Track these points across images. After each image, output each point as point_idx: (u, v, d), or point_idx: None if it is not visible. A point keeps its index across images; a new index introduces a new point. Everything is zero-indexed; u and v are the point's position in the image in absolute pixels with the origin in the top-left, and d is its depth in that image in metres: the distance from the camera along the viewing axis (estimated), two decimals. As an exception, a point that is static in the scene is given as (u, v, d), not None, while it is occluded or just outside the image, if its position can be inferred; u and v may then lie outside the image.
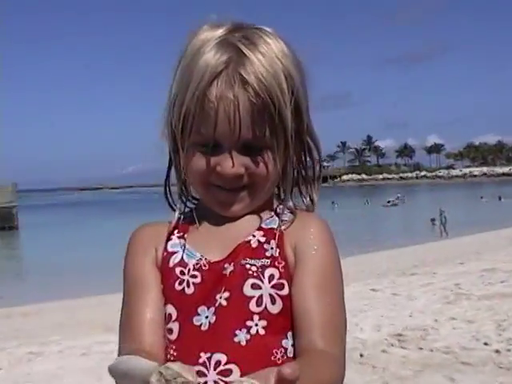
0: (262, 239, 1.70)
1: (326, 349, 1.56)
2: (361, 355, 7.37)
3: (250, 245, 1.69)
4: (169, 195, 1.84)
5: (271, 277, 1.64)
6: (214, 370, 1.58)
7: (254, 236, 1.71)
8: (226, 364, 1.58)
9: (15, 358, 8.98)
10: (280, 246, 1.68)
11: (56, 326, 11.01)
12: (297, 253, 1.68)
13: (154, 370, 1.21)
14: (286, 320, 1.63)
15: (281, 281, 1.64)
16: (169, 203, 1.84)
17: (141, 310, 1.67)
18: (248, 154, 1.66)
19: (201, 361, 1.59)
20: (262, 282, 1.63)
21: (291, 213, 1.77)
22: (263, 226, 1.74)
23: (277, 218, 1.75)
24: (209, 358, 1.59)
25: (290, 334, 1.64)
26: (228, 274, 1.65)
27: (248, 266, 1.65)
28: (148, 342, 1.62)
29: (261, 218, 1.75)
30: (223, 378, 1.56)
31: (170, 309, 1.67)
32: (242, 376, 1.51)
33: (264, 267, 1.65)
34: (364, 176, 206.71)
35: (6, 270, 29.58)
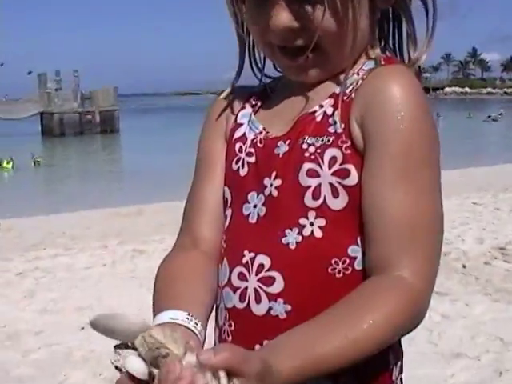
0: (330, 110, 1.33)
1: (404, 269, 1.21)
2: (463, 266, 7.27)
3: (314, 118, 1.34)
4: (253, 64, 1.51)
5: (332, 160, 1.28)
6: (256, 274, 1.35)
7: (321, 106, 1.35)
8: (268, 270, 1.33)
9: (119, 256, 9.22)
10: (345, 118, 1.29)
11: (158, 225, 11.24)
12: (365, 127, 1.27)
13: (139, 331, 1.04)
14: (355, 219, 1.28)
15: (345, 166, 1.27)
16: (252, 70, 1.52)
17: (202, 196, 1.49)
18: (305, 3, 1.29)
19: (244, 260, 1.37)
20: (321, 167, 1.29)
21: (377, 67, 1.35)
22: (336, 91, 1.35)
23: (356, 76, 1.35)
24: (252, 259, 1.35)
25: (361, 238, 1.29)
26: (281, 154, 1.35)
27: (305, 146, 1.31)
28: (203, 238, 1.46)
29: (339, 81, 1.36)
30: (264, 288, 1.33)
31: (227, 192, 1.46)
32: (285, 289, 1.31)
33: (324, 148, 1.29)
34: (467, 89, 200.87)
35: (107, 172, 30.31)
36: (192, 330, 1.21)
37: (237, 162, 1.43)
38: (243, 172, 1.42)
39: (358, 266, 1.29)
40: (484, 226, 9.93)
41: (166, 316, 1.22)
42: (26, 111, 64.66)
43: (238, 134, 1.46)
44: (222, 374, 0.99)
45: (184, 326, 1.20)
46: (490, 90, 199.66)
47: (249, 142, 1.43)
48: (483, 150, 29.15)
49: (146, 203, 15.29)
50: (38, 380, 5.01)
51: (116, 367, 1.09)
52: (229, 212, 1.45)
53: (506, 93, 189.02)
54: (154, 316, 1.26)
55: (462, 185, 15.00)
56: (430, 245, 1.25)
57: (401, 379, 1.42)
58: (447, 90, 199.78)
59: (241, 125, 1.47)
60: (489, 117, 61.47)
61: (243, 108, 1.50)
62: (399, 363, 1.42)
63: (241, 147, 1.44)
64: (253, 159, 1.41)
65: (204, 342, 1.24)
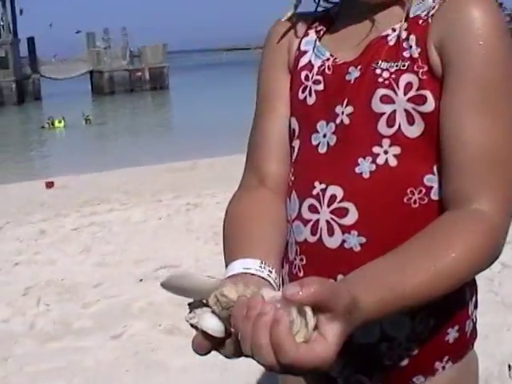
0: (404, 34, 1.25)
1: (482, 204, 1.16)
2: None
3: (387, 41, 1.27)
4: None
5: (408, 86, 1.22)
6: (328, 206, 1.29)
7: (393, 30, 1.27)
8: (341, 201, 1.27)
9: (173, 209, 9.26)
10: (422, 42, 1.22)
11: (211, 180, 11.27)
12: (445, 53, 1.20)
13: (212, 289, 1.02)
14: (431, 147, 1.23)
15: (421, 92, 1.21)
16: None
17: (266, 131, 1.42)
18: None
19: (314, 192, 1.31)
20: (396, 93, 1.23)
21: None
22: (410, 15, 1.27)
23: (430, 1, 1.26)
24: (323, 190, 1.30)
25: (438, 167, 1.24)
26: (353, 80, 1.28)
27: (378, 72, 1.25)
28: (269, 174, 1.40)
29: (407, 5, 1.28)
30: (337, 219, 1.28)
31: (294, 123, 1.39)
32: (358, 220, 1.26)
33: (399, 73, 1.23)
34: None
35: (158, 128, 30.47)
36: (266, 279, 1.16)
37: (303, 91, 1.37)
38: (311, 101, 1.35)
39: (434, 196, 1.24)
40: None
41: (239, 266, 1.18)
42: (76, 70, 65.34)
43: (303, 61, 1.39)
44: (309, 311, 0.93)
45: (258, 275, 1.16)
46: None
47: (316, 69, 1.35)
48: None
49: (198, 158, 15.33)
50: (98, 332, 5.04)
51: (191, 325, 1.06)
52: (296, 143, 1.39)
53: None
54: (227, 263, 1.22)
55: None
56: (509, 178, 1.20)
57: (475, 315, 1.40)
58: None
59: (305, 52, 1.39)
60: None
61: (307, 34, 1.42)
62: (474, 298, 1.40)
63: (307, 75, 1.37)
64: (321, 87, 1.34)
65: (279, 288, 1.19)
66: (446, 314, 1.32)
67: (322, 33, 1.40)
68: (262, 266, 1.17)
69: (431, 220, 1.20)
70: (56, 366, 4.49)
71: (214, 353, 1.08)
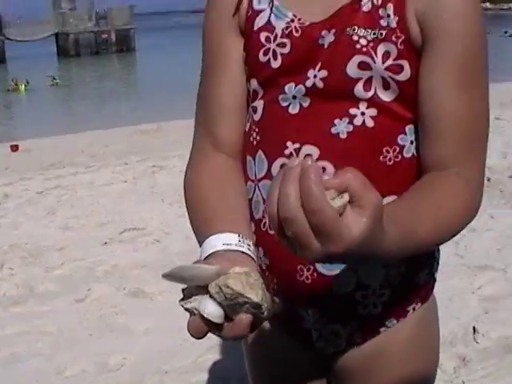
0: (378, 0, 1.25)
1: (461, 169, 1.25)
2: (488, 179, 7.19)
3: (361, 7, 1.25)
4: None
5: (386, 55, 1.24)
6: None
7: None
8: (317, 160, 1.27)
9: (139, 172, 9.20)
10: (400, 11, 1.23)
11: (176, 142, 11.14)
12: (426, 25, 1.23)
13: (213, 277, 1.05)
14: (405, 110, 1.28)
15: (398, 62, 1.24)
16: None
17: (217, 93, 1.40)
18: None
19: (287, 152, 1.32)
20: (374, 61, 1.24)
21: None
22: None
23: None
24: (297, 150, 1.30)
25: (409, 127, 1.30)
26: (326, 45, 1.27)
27: (355, 38, 1.24)
28: (223, 137, 1.40)
29: None
30: None
31: (254, 84, 1.37)
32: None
33: (377, 41, 1.24)
34: (488, 4, 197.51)
35: (124, 90, 30.24)
36: (247, 253, 1.17)
37: (265, 54, 1.33)
38: (276, 64, 1.32)
39: (406, 153, 1.31)
40: (507, 140, 9.79)
41: (218, 242, 1.17)
42: (41, 33, 64.45)
43: (260, 22, 1.34)
44: (345, 194, 0.93)
45: (240, 251, 1.17)
46: (511, 5, 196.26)
47: (279, 31, 1.31)
48: (504, 66, 28.72)
49: (164, 121, 15.21)
50: (62, 295, 5.02)
51: (186, 309, 1.09)
52: (259, 104, 1.37)
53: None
54: (200, 238, 1.23)
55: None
56: (484, 148, 1.31)
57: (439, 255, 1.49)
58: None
59: (260, 11, 1.34)
60: (505, 32, 60.54)
61: None
62: (439, 255, 1.49)
63: (268, 37, 1.33)
64: (287, 49, 1.30)
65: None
66: (417, 258, 1.36)
67: None
68: (241, 240, 1.18)
69: (404, 175, 1.31)
70: (19, 331, 4.47)
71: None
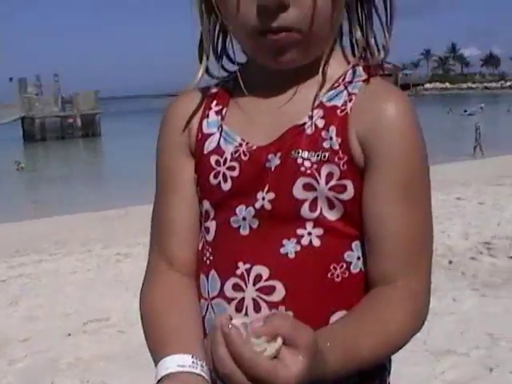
0: (321, 123, 1.29)
1: (407, 282, 1.28)
2: (450, 262, 7.29)
3: (304, 130, 1.30)
4: (205, 53, 1.40)
5: (329, 176, 1.27)
6: (254, 285, 1.32)
7: (310, 117, 1.30)
8: (268, 279, 1.31)
9: (103, 260, 9.19)
10: (342, 133, 1.28)
11: (141, 228, 11.13)
12: (368, 146, 1.27)
13: None
14: (350, 227, 1.31)
15: (342, 182, 1.27)
16: (201, 60, 1.41)
17: (170, 214, 1.44)
18: None
19: (238, 272, 1.33)
20: (318, 182, 1.28)
21: (364, 80, 1.33)
22: (324, 101, 1.31)
23: (344, 90, 1.32)
24: (248, 270, 1.33)
25: (356, 244, 1.32)
26: (273, 168, 1.30)
27: (300, 161, 1.29)
28: (177, 257, 1.42)
29: (323, 85, 1.32)
30: (264, 297, 1.31)
31: (206, 205, 1.40)
32: (286, 296, 1.31)
33: (321, 163, 1.28)
34: (447, 85, 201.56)
35: (89, 176, 30.24)
36: (200, 375, 1.19)
37: (215, 177, 1.37)
38: (226, 186, 1.36)
39: (353, 269, 1.32)
40: (469, 220, 9.95)
41: (172, 364, 1.20)
42: (7, 116, 64.47)
43: (210, 146, 1.39)
44: (279, 339, 1.00)
45: (192, 372, 1.19)
46: (470, 84, 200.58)
47: (228, 155, 1.36)
48: (464, 145, 29.29)
49: (129, 206, 15.22)
50: (25, 389, 4.95)
51: None
52: (212, 224, 1.40)
53: (486, 87, 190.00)
54: (156, 359, 1.25)
55: (444, 180, 15.05)
56: (429, 256, 1.33)
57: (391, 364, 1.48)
58: (428, 85, 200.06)
59: (209, 135, 1.40)
60: (465, 111, 61.84)
61: (207, 115, 1.42)
62: (391, 366, 1.47)
63: (218, 160, 1.37)
64: (236, 173, 1.35)
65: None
66: (367, 371, 1.35)
67: (223, 112, 1.41)
68: (195, 361, 1.20)
69: (353, 290, 1.32)
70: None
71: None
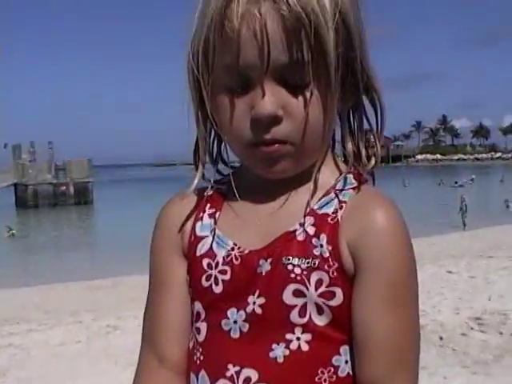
0: (311, 230, 1.32)
1: None
2: (440, 338, 7.25)
3: (295, 237, 1.33)
4: (201, 162, 1.44)
5: (319, 283, 1.30)
6: None
7: (301, 224, 1.33)
8: (256, 383, 1.32)
9: (93, 332, 9.12)
10: (333, 241, 1.31)
11: (132, 300, 11.10)
12: (357, 256, 1.30)
13: None
14: (338, 332, 1.32)
15: (331, 289, 1.30)
16: (197, 167, 1.45)
17: (161, 313, 1.46)
18: (287, 89, 1.27)
19: (228, 374, 1.35)
20: (308, 288, 1.30)
21: (354, 188, 1.37)
22: (315, 208, 1.35)
23: (335, 198, 1.35)
24: (237, 373, 1.34)
25: (344, 348, 1.33)
26: (264, 273, 1.33)
27: (290, 267, 1.31)
28: (169, 355, 1.44)
29: (315, 192, 1.36)
30: None
31: (198, 306, 1.42)
32: None
33: (311, 270, 1.30)
34: (438, 156, 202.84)
35: (81, 244, 30.13)
36: None
37: (207, 279, 1.39)
38: (218, 289, 1.38)
39: (341, 373, 1.33)
40: (459, 295, 9.94)
41: None
42: (0, 182, 64.45)
43: (202, 249, 1.41)
44: None
45: None
46: (460, 156, 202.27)
47: (220, 258, 1.38)
48: (455, 217, 29.37)
49: (120, 276, 15.17)
50: None
51: None
52: (203, 325, 1.42)
53: (476, 159, 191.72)
54: None
55: (435, 253, 15.11)
56: (416, 360, 1.34)
57: None
58: (419, 157, 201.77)
59: (202, 238, 1.42)
60: (456, 183, 62.28)
61: (200, 218, 1.45)
62: None
63: (210, 263, 1.39)
64: (228, 276, 1.37)
65: None
66: None
67: (217, 216, 1.44)
68: None
69: None
70: None
71: None
